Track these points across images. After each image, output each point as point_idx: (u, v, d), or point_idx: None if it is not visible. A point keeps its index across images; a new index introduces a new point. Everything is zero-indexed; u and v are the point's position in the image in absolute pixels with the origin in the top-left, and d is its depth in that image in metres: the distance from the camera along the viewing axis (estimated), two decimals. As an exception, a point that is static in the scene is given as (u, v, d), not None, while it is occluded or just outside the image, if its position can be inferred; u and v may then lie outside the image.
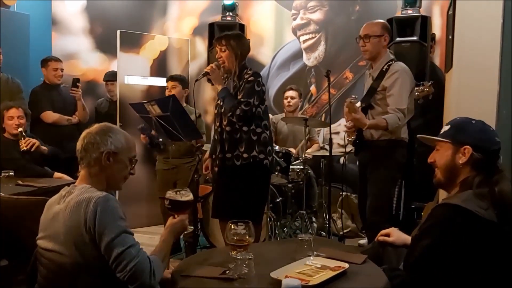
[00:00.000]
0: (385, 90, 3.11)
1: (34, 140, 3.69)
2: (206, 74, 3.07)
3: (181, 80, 4.19)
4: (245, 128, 3.04)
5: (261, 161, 3.06)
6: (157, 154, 4.32)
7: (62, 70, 4.52)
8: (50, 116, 4.35)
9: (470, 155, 1.67)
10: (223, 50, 3.08)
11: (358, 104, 3.45)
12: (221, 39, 3.11)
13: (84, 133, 1.81)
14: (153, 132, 3.90)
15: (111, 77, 5.02)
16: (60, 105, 4.45)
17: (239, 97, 3.00)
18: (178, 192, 1.87)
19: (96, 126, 1.82)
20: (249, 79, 3.01)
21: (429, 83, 3.86)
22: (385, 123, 2.98)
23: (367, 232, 3.50)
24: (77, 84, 4.35)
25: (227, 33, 3.22)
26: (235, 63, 3.08)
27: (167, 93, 4.10)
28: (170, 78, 4.19)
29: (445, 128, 1.77)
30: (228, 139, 3.08)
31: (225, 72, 3.14)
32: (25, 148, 3.63)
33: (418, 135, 1.92)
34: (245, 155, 3.03)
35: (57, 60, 4.52)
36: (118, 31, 4.80)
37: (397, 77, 3.08)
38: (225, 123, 3.09)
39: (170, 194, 1.87)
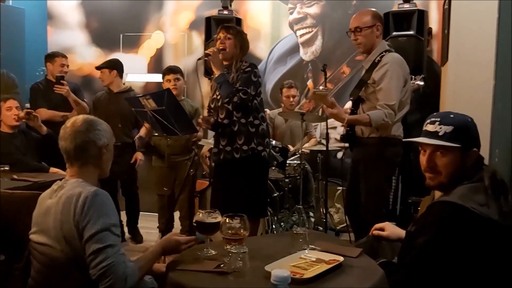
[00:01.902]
0: (375, 83, 2.93)
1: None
2: (208, 55, 3.03)
3: (181, 72, 4.09)
4: (243, 120, 3.03)
5: (259, 153, 3.05)
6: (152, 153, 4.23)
7: (67, 66, 4.45)
8: (42, 113, 4.18)
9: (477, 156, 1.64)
10: (228, 37, 3.07)
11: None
12: (230, 28, 3.11)
13: (70, 132, 1.73)
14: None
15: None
16: (59, 101, 4.32)
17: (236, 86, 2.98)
18: (208, 213, 1.85)
19: (79, 123, 1.75)
20: (246, 69, 3.02)
21: (420, 77, 3.81)
22: (367, 119, 2.79)
23: (355, 229, 3.29)
24: (61, 81, 4.16)
25: (235, 26, 3.23)
26: (237, 54, 3.08)
27: (170, 86, 3.94)
28: (171, 71, 4.04)
29: (446, 128, 1.61)
30: (226, 132, 3.06)
31: (223, 58, 3.09)
32: (22, 114, 3.65)
33: (419, 140, 1.69)
34: (244, 147, 3.02)
35: (64, 56, 4.44)
36: (121, 35, 4.87)
37: (387, 70, 2.86)
38: (222, 116, 3.07)
39: (199, 214, 1.85)
